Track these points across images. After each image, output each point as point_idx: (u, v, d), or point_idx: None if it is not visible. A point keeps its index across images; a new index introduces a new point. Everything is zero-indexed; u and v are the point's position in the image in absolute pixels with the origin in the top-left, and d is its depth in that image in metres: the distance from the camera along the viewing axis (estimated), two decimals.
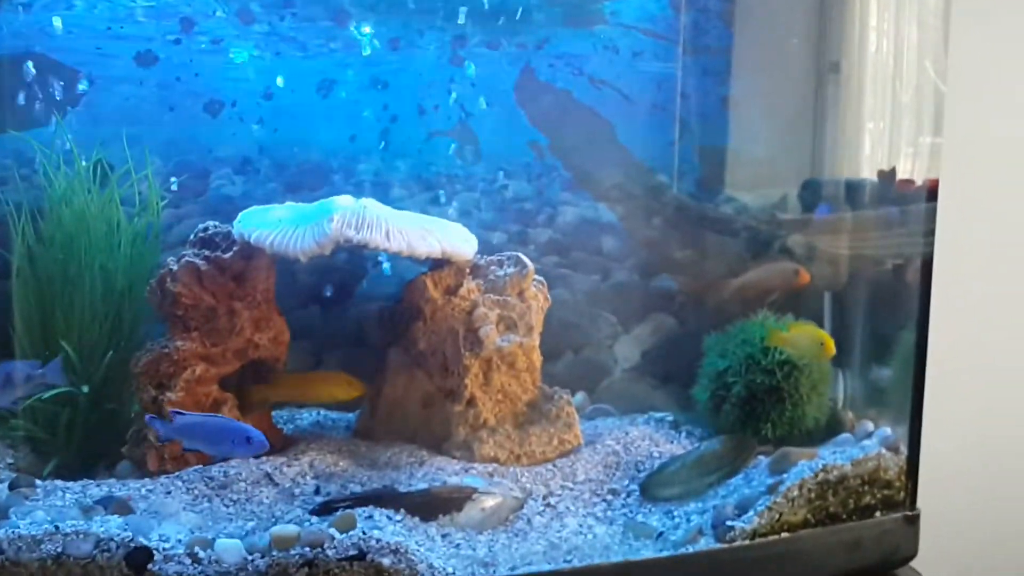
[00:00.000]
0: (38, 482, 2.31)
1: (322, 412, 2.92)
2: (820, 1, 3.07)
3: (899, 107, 2.85)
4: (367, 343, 2.85)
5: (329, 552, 1.96)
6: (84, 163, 2.57)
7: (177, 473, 2.37)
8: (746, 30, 3.21)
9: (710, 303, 3.06)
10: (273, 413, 2.76)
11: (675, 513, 2.41)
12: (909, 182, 2.80)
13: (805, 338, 2.68)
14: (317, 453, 2.52)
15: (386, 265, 2.94)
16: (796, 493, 2.34)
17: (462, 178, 3.07)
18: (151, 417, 2.28)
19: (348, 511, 2.12)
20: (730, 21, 3.18)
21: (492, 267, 2.68)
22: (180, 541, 1.99)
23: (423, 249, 2.45)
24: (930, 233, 2.55)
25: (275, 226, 2.43)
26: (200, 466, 2.38)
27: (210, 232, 2.59)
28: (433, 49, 2.98)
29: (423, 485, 2.29)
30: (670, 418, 2.94)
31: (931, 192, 2.57)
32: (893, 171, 2.87)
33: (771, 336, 2.67)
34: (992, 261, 3.21)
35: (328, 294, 2.95)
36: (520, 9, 2.95)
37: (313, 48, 2.93)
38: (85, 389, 2.49)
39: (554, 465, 2.57)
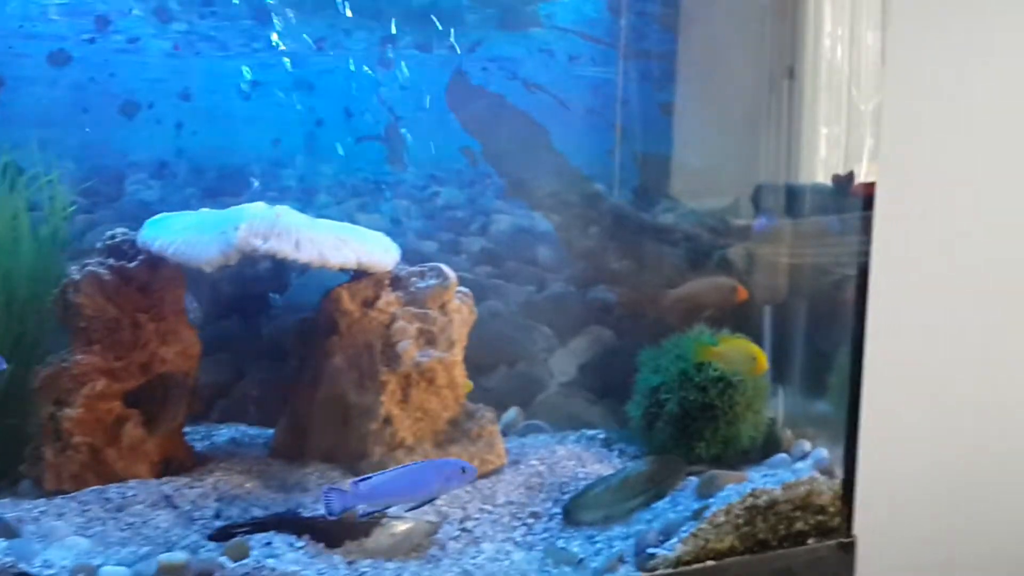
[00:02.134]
0: None
1: (240, 428, 2.80)
2: (771, 5, 2.97)
3: (855, 112, 2.77)
4: (287, 356, 2.73)
5: None
6: None
7: (74, 494, 2.25)
8: (690, 34, 3.12)
9: (647, 315, 2.96)
10: (189, 429, 2.64)
11: (598, 538, 2.30)
12: (868, 186, 2.67)
13: (736, 352, 2.58)
14: (224, 473, 2.40)
15: None
16: (723, 519, 2.24)
17: (391, 184, 2.96)
18: (330, 489, 2.07)
19: (242, 538, 2.00)
20: (672, 24, 3.09)
21: (413, 279, 2.57)
22: (65, 568, 1.88)
23: (336, 260, 2.33)
24: (866, 243, 2.45)
25: (179, 234, 2.31)
26: (99, 486, 2.27)
27: (117, 240, 2.46)
28: (361, 50, 2.87)
29: None
30: (602, 435, 2.84)
31: (867, 200, 2.48)
32: (850, 175, 2.79)
33: (700, 351, 2.57)
34: (934, 270, 3.10)
35: (249, 305, 2.83)
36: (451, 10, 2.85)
37: (235, 48, 2.81)
38: None
39: (474, 487, 2.45)
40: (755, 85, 3.02)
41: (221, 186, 2.84)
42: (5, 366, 2.30)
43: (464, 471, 2.11)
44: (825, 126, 2.90)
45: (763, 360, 2.54)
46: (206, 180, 2.85)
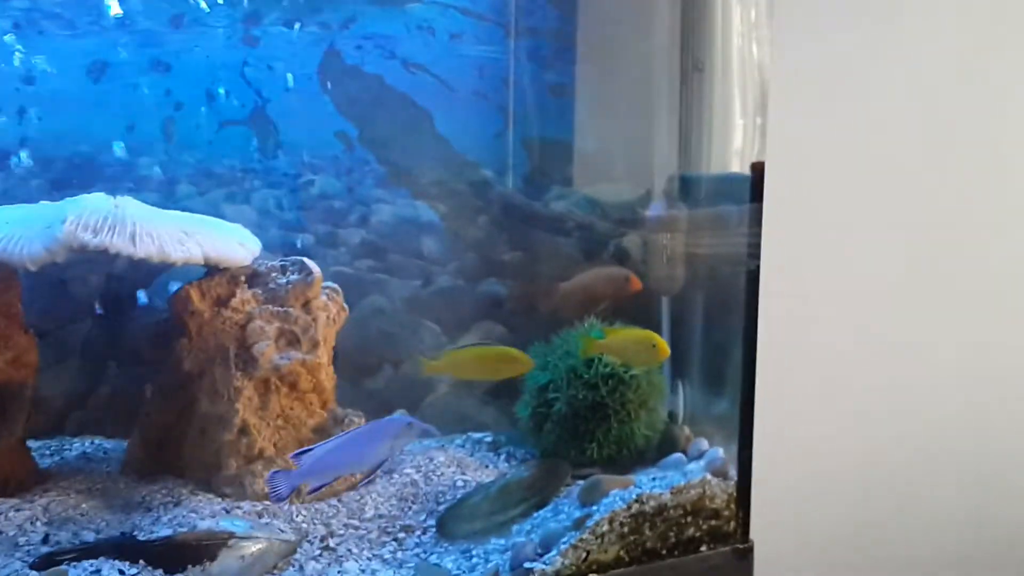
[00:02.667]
0: None
1: (96, 442, 2.56)
2: None
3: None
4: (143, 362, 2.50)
5: None
6: None
7: None
8: (588, 12, 2.94)
9: (540, 309, 2.78)
10: (39, 444, 2.42)
11: (473, 553, 2.12)
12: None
13: (630, 343, 2.39)
14: (60, 493, 2.18)
15: None
16: (606, 528, 2.07)
17: (260, 173, 2.74)
18: (274, 474, 1.96)
19: (64, 567, 1.79)
20: (566, 1, 2.91)
21: (273, 274, 2.36)
22: None
23: (179, 254, 2.12)
24: (756, 233, 2.30)
25: (0, 231, 2.07)
26: None
27: None
28: (223, 27, 2.64)
29: (167, 531, 1.96)
30: (489, 439, 2.66)
31: (755, 190, 2.32)
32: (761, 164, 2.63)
33: (586, 346, 2.39)
34: (825, 263, 2.98)
35: (106, 305, 2.59)
36: None
37: (82, 26, 2.56)
38: None
39: (339, 500, 2.26)
40: (661, 70, 2.86)
41: (70, 177, 2.58)
42: None
43: (411, 426, 2.01)
44: (741, 117, 2.77)
45: (664, 346, 2.33)
46: (54, 171, 2.59)
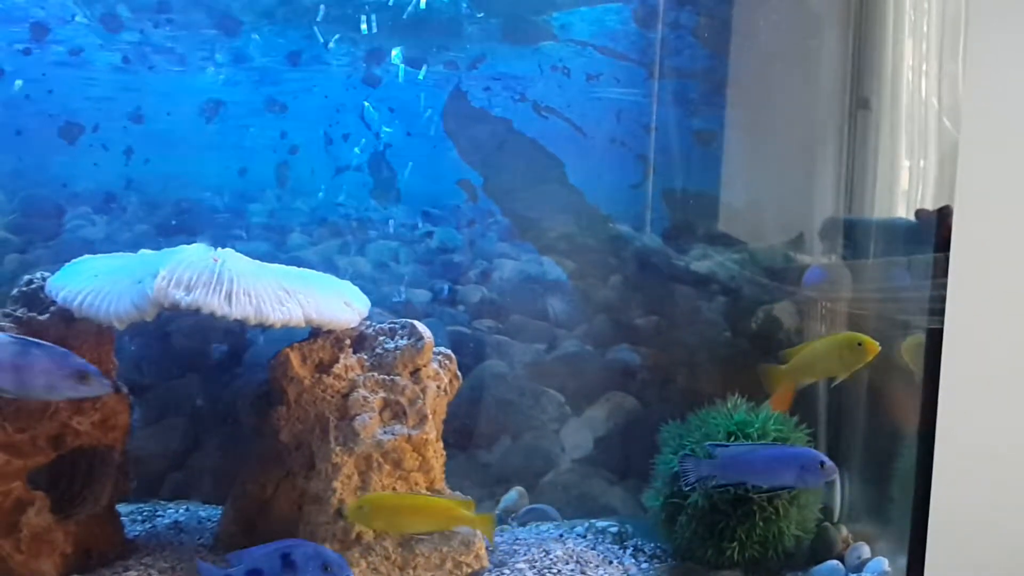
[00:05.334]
0: None
1: (191, 508, 2.39)
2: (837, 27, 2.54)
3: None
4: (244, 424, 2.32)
5: None
6: None
7: None
8: (741, 51, 2.66)
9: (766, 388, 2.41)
10: (131, 508, 2.26)
11: None
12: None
13: (826, 351, 2.14)
14: (145, 570, 1.98)
15: None
16: None
17: (377, 223, 2.54)
18: (684, 457, 2.06)
19: None
20: (716, 39, 2.63)
21: (381, 338, 2.14)
22: None
23: (277, 316, 1.91)
24: (940, 285, 1.95)
25: (89, 282, 1.91)
26: None
27: (34, 286, 2.08)
28: (343, 65, 2.46)
29: None
30: (615, 528, 2.37)
31: (938, 238, 2.00)
32: (939, 210, 2.31)
33: (772, 377, 2.17)
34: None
35: (208, 362, 2.43)
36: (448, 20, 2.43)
37: (195, 62, 2.42)
38: None
39: None
40: (823, 109, 2.57)
41: (177, 222, 2.44)
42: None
43: (823, 466, 1.97)
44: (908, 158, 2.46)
45: (871, 342, 2.09)
46: (160, 215, 2.45)
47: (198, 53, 2.42)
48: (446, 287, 2.59)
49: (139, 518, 2.32)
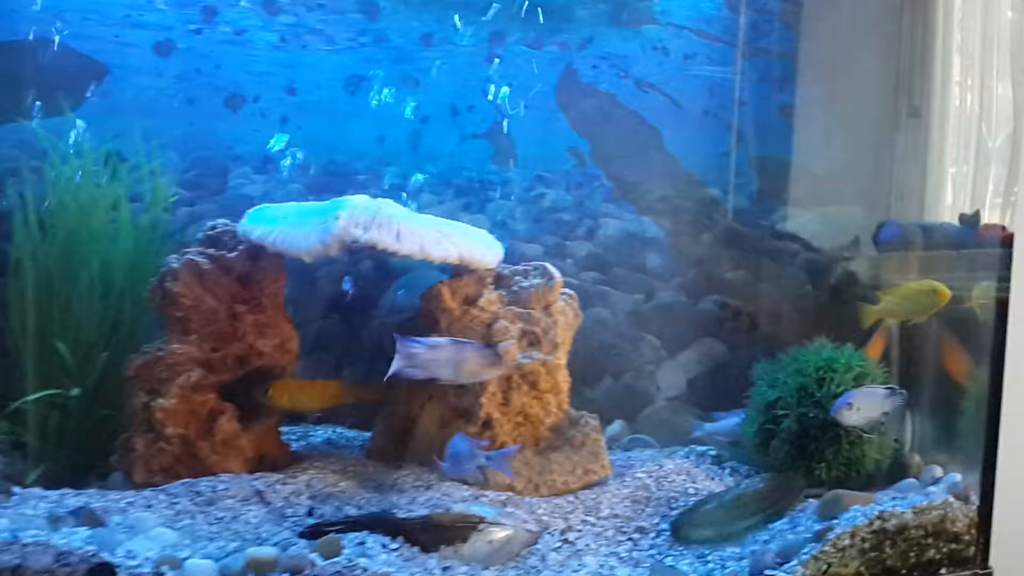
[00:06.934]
0: (16, 489, 2.14)
1: (337, 429, 2.71)
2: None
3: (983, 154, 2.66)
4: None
5: None
6: (93, 155, 2.42)
7: (164, 486, 2.19)
8: (813, 32, 2.96)
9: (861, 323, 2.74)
10: (285, 429, 2.58)
11: (709, 557, 2.14)
12: (993, 227, 2.58)
13: (910, 295, 2.46)
14: (318, 472, 2.32)
15: None
16: (847, 542, 2.05)
17: (496, 184, 2.86)
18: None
19: (334, 536, 1.90)
20: (794, 22, 2.94)
21: (517, 277, 2.45)
22: (148, 559, 1.80)
23: (437, 253, 2.24)
24: (1005, 277, 2.27)
25: (279, 223, 2.24)
26: (189, 480, 2.20)
27: (218, 230, 2.42)
28: (469, 46, 2.79)
29: (424, 511, 2.06)
30: (713, 452, 2.67)
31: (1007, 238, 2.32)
32: (977, 215, 2.63)
33: (865, 313, 2.48)
34: None
35: (348, 304, 2.75)
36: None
37: (341, 42, 2.75)
38: (76, 392, 2.32)
39: (576, 497, 2.32)
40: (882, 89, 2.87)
41: (325, 182, 2.77)
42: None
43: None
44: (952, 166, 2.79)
45: (944, 289, 2.41)
46: (309, 176, 2.78)
47: (344, 34, 2.75)
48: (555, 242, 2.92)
49: (294, 438, 2.64)
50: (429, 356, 2.14)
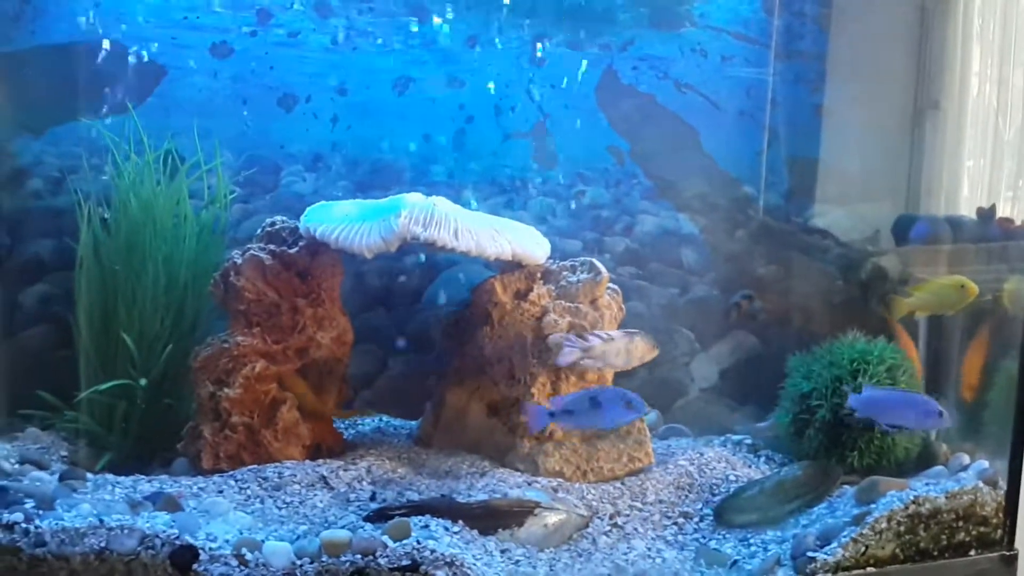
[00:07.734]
0: (89, 475, 2.24)
1: (384, 419, 2.82)
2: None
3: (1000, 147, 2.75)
4: (435, 347, 2.74)
5: (381, 560, 1.86)
6: (153, 153, 2.52)
7: (231, 472, 2.30)
8: (841, 35, 3.05)
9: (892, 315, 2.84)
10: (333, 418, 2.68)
11: (751, 541, 2.25)
12: (1010, 220, 2.72)
13: (941, 290, 2.58)
14: (376, 459, 2.42)
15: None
16: (884, 525, 2.16)
17: (538, 182, 2.96)
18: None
19: (403, 519, 2.01)
20: (826, 25, 3.03)
21: (564, 272, 2.56)
22: (228, 541, 1.91)
23: (492, 250, 2.34)
24: None
25: (341, 221, 2.34)
26: (255, 466, 2.31)
27: (277, 227, 2.52)
28: (512, 48, 2.88)
29: (483, 496, 2.16)
30: (748, 441, 2.77)
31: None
32: (993, 208, 2.74)
33: (896, 306, 2.60)
34: None
35: (393, 298, 2.86)
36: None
37: (390, 43, 2.84)
38: (143, 382, 2.42)
39: (622, 483, 2.43)
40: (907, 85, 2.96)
41: (373, 180, 2.87)
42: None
43: (941, 415, 2.36)
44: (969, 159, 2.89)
45: (972, 285, 2.52)
46: (358, 174, 2.88)
47: (393, 37, 2.84)
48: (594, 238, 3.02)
49: (342, 426, 2.74)
50: (604, 347, 2.34)
